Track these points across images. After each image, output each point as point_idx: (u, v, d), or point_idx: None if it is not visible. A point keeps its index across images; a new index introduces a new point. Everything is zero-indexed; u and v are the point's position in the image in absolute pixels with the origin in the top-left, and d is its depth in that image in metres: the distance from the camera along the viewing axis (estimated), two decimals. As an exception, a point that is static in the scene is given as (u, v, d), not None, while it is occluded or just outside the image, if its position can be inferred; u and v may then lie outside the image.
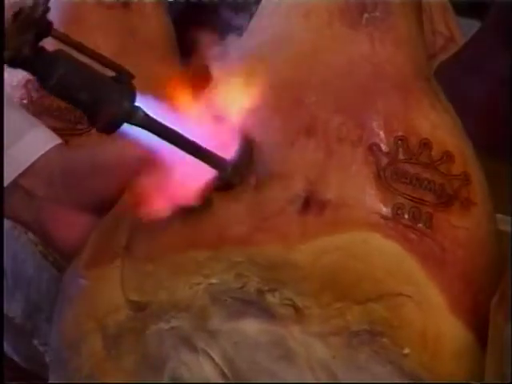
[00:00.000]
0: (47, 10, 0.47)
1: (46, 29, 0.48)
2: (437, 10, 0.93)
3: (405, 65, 0.57)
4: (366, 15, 0.56)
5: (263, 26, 0.59)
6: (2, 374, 0.62)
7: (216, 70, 0.53)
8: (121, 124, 0.49)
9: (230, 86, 0.53)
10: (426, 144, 0.54)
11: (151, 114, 0.50)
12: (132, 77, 0.50)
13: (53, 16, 0.77)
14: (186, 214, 0.53)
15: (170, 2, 0.86)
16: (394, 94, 0.55)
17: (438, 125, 0.55)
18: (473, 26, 0.88)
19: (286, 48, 0.57)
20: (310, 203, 0.52)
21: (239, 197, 0.53)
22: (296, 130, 0.53)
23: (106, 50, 0.76)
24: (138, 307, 0.53)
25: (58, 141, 0.62)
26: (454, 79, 0.80)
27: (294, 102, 0.55)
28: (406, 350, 0.50)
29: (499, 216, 0.61)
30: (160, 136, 0.50)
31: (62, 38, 0.49)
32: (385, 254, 0.51)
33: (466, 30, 0.91)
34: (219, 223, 0.52)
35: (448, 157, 0.54)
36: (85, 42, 0.76)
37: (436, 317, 0.51)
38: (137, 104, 0.50)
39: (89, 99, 0.49)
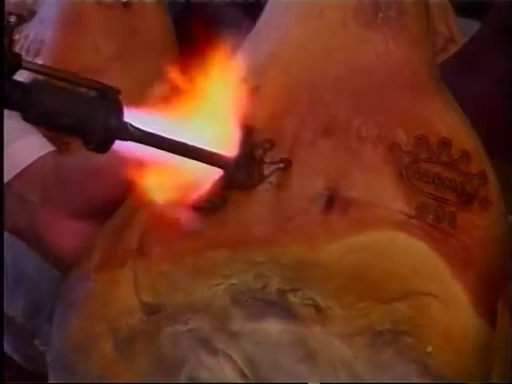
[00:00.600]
0: (11, 42, 0.46)
1: (15, 62, 0.46)
2: (437, 10, 0.93)
3: (418, 64, 0.57)
4: (380, 15, 0.56)
5: (274, 25, 0.59)
6: (2, 373, 0.62)
7: (225, 69, 0.53)
8: (111, 142, 0.48)
9: (242, 86, 0.53)
10: (445, 143, 0.54)
11: (142, 126, 0.49)
12: (118, 92, 0.49)
13: (53, 16, 0.78)
14: (203, 214, 0.53)
15: (170, 2, 0.86)
16: (410, 93, 0.56)
17: (453, 124, 0.56)
18: (473, 26, 0.88)
19: (299, 48, 0.57)
20: (333, 202, 0.52)
21: (261, 196, 0.52)
22: (315, 130, 0.53)
23: (106, 50, 0.77)
24: (152, 309, 0.53)
25: (52, 148, 0.62)
26: (453, 79, 0.80)
27: (312, 101, 0.54)
28: (430, 349, 0.50)
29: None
30: (154, 147, 0.49)
31: (35, 68, 0.48)
32: (411, 252, 0.51)
33: (465, 30, 0.91)
34: (240, 223, 0.52)
35: (466, 156, 0.55)
36: (85, 42, 0.77)
37: (461, 315, 0.51)
38: (125, 119, 0.48)
39: (74, 123, 0.47)
